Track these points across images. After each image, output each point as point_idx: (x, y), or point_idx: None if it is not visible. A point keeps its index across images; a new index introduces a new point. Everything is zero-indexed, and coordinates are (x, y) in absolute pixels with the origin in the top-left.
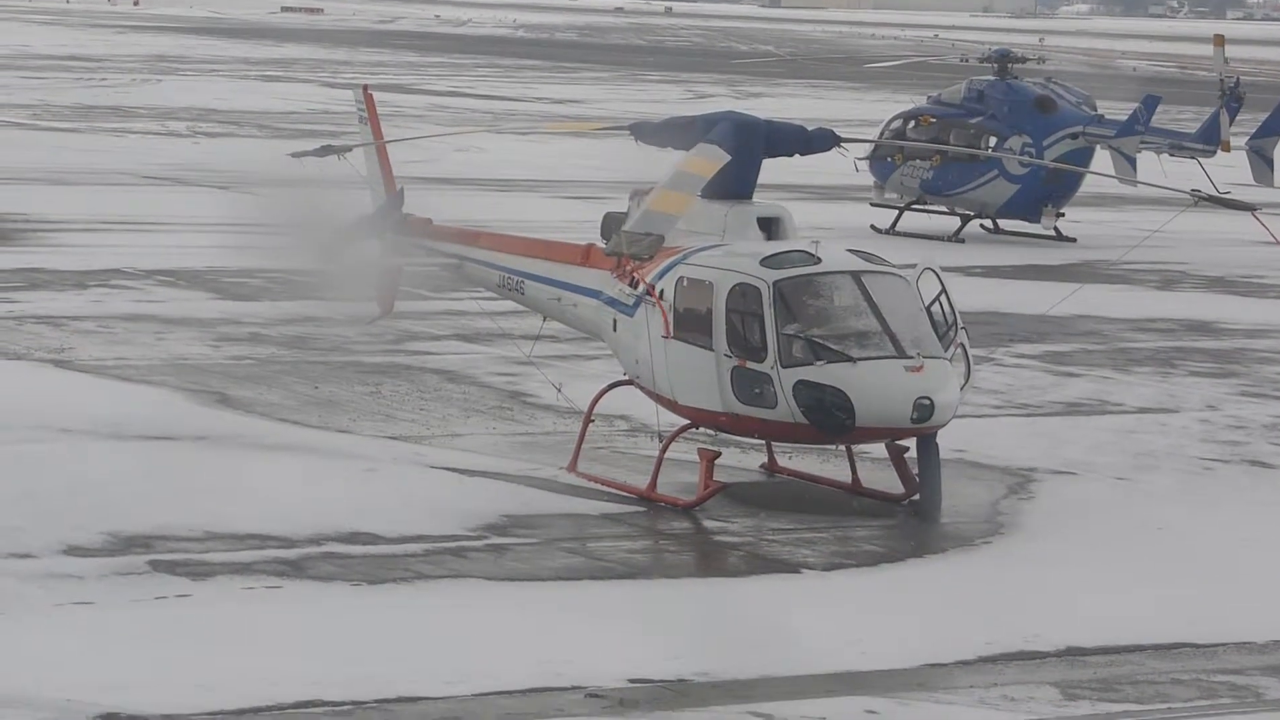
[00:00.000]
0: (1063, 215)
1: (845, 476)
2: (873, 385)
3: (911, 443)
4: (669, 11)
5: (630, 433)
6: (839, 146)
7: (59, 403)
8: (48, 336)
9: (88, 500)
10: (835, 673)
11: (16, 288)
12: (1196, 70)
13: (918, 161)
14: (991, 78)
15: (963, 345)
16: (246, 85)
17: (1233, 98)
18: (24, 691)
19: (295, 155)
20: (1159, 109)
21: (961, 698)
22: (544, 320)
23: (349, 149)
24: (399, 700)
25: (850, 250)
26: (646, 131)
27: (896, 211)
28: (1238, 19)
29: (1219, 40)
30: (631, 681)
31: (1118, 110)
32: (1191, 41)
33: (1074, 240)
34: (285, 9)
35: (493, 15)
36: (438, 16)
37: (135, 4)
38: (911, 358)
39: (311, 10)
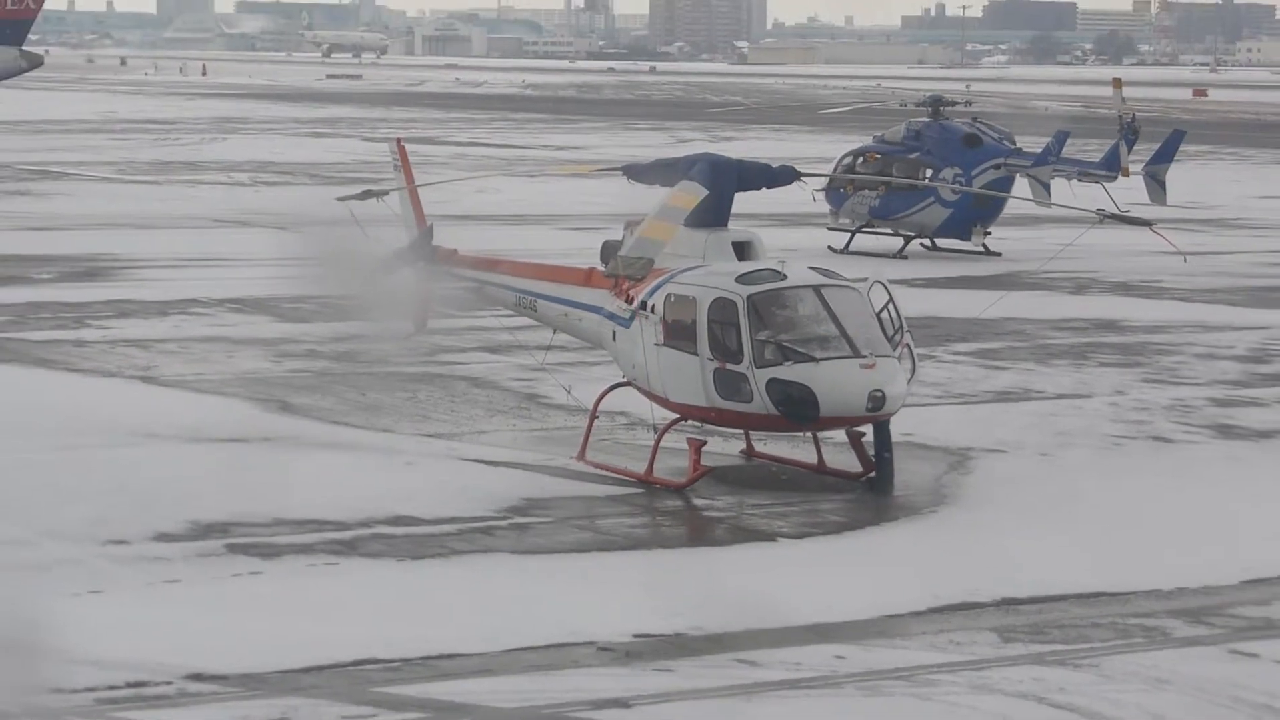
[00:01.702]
0: (989, 234)
1: (812, 458)
2: (833, 381)
3: (868, 429)
4: (653, 70)
5: (629, 426)
6: (799, 180)
7: (146, 412)
8: (136, 357)
9: (172, 494)
10: (807, 625)
11: (109, 316)
12: (1099, 108)
13: (866, 191)
14: (926, 119)
15: (908, 345)
16: (298, 141)
17: (1130, 131)
18: (123, 656)
19: (341, 199)
20: (1068, 142)
21: (915, 643)
22: (554, 333)
23: (386, 193)
24: (440, 657)
25: (811, 268)
26: (637, 171)
27: (849, 234)
28: (1133, 64)
29: (1117, 83)
30: (636, 636)
31: (1033, 144)
32: (1094, 84)
33: (999, 254)
34: (330, 76)
35: (504, 77)
36: (458, 79)
37: (203, 74)
38: (865, 357)
39: (352, 76)
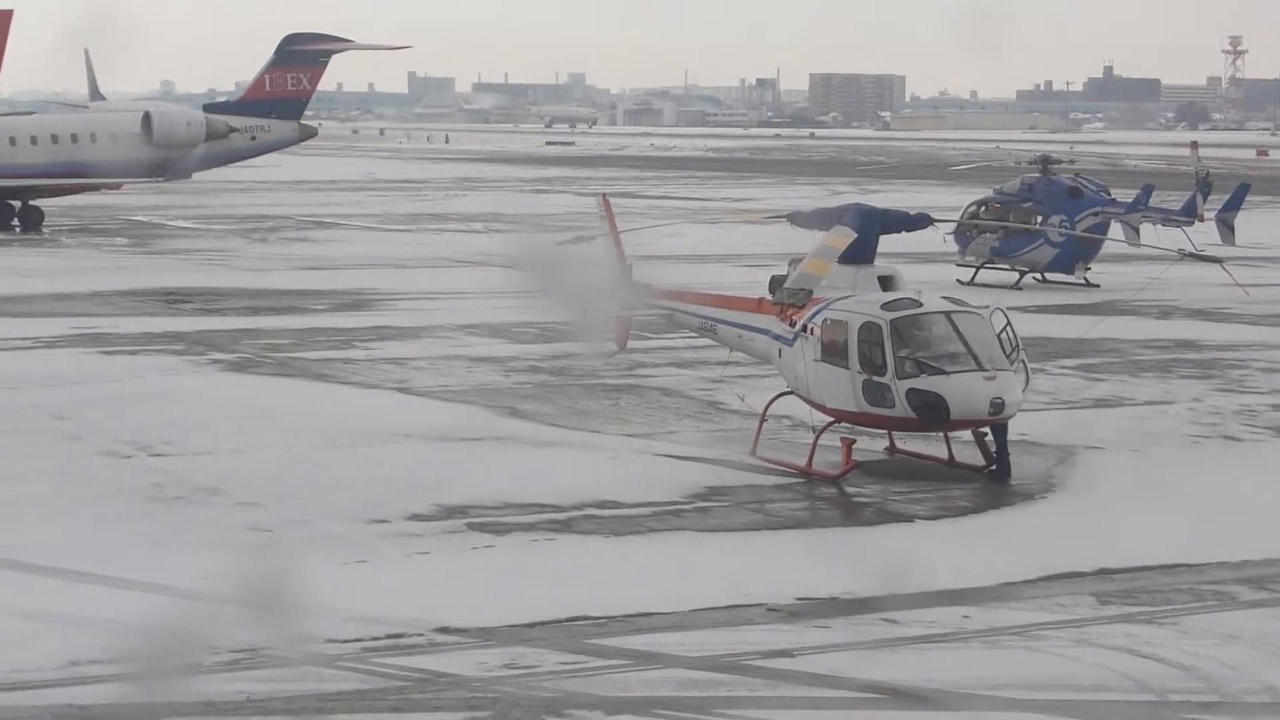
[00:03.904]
0: (1089, 269)
1: (943, 454)
2: (961, 390)
3: (989, 430)
4: (812, 136)
5: (792, 427)
6: (933, 225)
7: (401, 417)
8: (393, 372)
9: (424, 482)
10: (940, 590)
11: (371, 339)
12: (1179, 166)
13: (987, 235)
14: (1037, 175)
15: (1023, 361)
16: (523, 196)
17: (1204, 184)
18: (384, 613)
19: (559, 244)
20: (1153, 193)
21: (1028, 605)
22: (730, 351)
23: (594, 238)
24: (639, 615)
25: (943, 297)
26: (800, 218)
27: (974, 269)
28: (1207, 129)
29: (1194, 145)
30: (799, 599)
31: (1125, 194)
32: (1175, 146)
33: (1098, 286)
34: (549, 143)
35: (690, 143)
36: (653, 145)
37: (446, 142)
38: (987, 370)
39: (566, 144)
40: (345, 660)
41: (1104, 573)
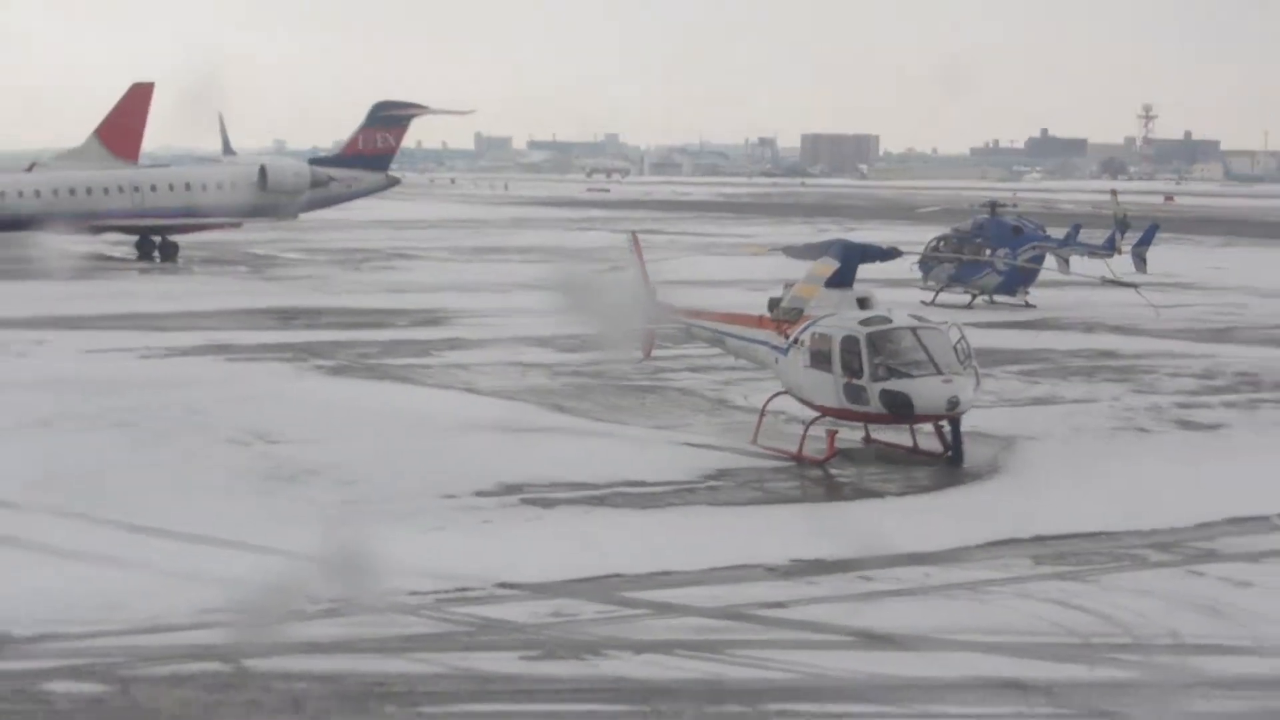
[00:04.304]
0: (1029, 293)
1: (909, 443)
2: (924, 390)
3: (946, 423)
4: (803, 184)
5: (786, 421)
6: (902, 256)
7: (469, 412)
8: (461, 374)
9: (486, 465)
10: (906, 553)
11: (444, 349)
12: (1103, 209)
13: (946, 264)
14: (986, 215)
15: (974, 367)
16: (568, 233)
17: (1122, 224)
18: (454, 571)
19: (597, 272)
20: (1081, 231)
21: (977, 565)
22: (736, 358)
23: (625, 267)
24: (660, 573)
25: (910, 315)
26: (793, 251)
27: (935, 292)
28: (1125, 180)
29: (1114, 193)
30: (792, 560)
31: (1058, 232)
32: (1100, 193)
33: (1035, 307)
34: (589, 190)
35: (703, 189)
36: (673, 191)
37: (506, 189)
38: (945, 374)
39: (603, 190)
40: (423, 609)
41: (1039, 539)
